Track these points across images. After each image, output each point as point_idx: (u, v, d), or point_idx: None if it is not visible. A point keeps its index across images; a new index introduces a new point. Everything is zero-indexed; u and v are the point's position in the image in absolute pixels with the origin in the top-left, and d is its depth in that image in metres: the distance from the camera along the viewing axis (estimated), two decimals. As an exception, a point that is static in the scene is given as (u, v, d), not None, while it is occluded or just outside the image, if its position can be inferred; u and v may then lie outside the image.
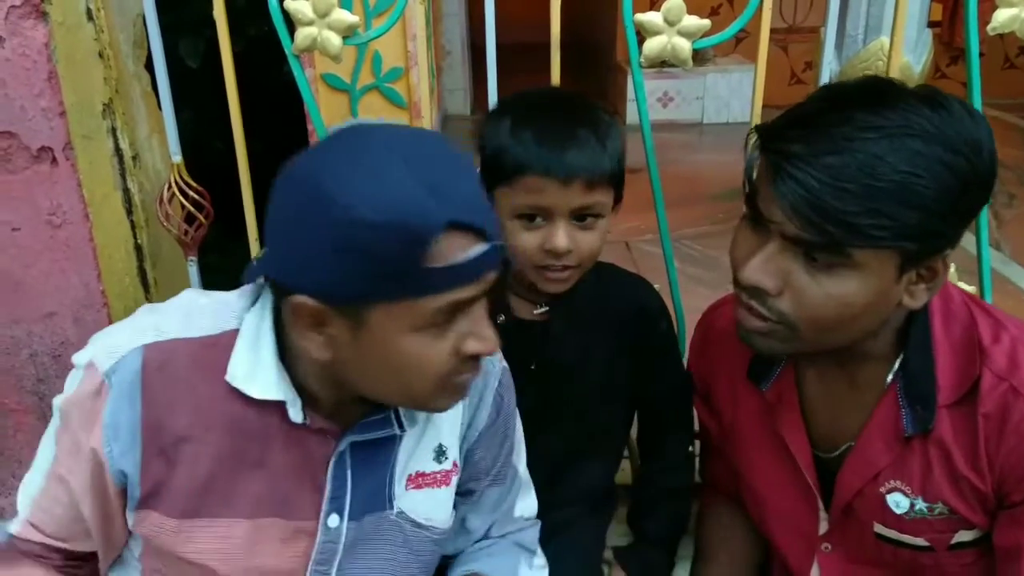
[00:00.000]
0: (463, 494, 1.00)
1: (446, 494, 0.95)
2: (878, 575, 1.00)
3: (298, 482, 0.85)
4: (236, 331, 0.82)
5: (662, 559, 1.22)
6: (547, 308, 1.13)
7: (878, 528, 0.95)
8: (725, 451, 1.13)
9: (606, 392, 1.18)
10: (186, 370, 0.81)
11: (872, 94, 0.81)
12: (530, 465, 1.07)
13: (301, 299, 0.72)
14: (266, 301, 0.82)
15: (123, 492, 0.83)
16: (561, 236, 1.00)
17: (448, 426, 0.94)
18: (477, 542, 1.04)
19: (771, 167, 0.80)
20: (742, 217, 0.89)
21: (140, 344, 0.81)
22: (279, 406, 0.81)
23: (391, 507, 0.90)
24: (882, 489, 0.93)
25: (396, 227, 0.67)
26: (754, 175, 0.83)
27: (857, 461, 0.94)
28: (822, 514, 1.00)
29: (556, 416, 1.15)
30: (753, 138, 0.85)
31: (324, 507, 0.86)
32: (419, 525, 0.93)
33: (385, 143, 0.71)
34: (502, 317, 1.11)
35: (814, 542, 1.02)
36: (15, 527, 0.89)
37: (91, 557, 0.91)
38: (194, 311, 0.85)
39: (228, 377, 0.80)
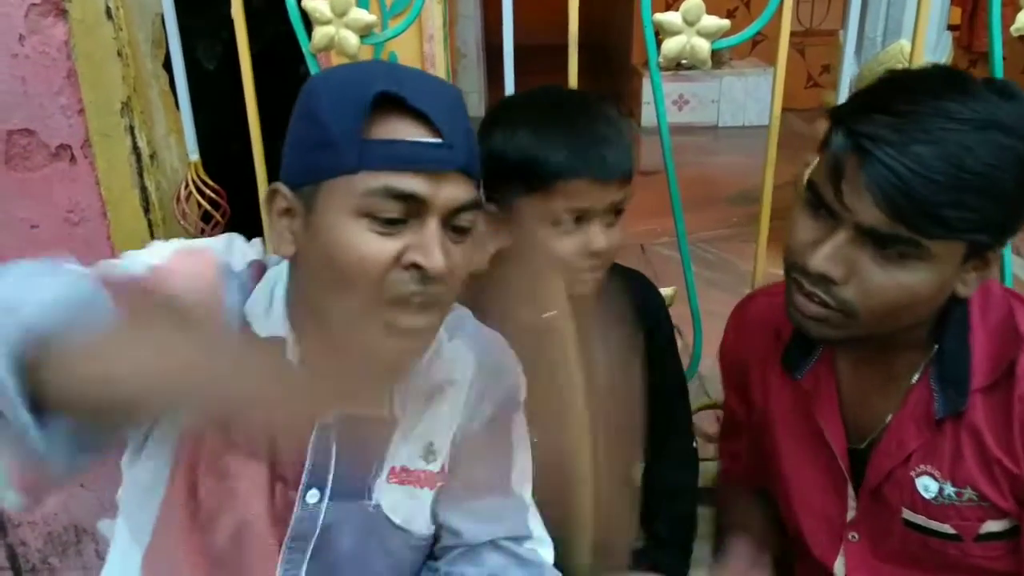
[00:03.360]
0: (446, 496, 0.94)
1: (429, 497, 0.92)
2: (903, 574, 0.99)
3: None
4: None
5: (677, 561, 1.21)
6: (556, 311, 1.12)
7: (907, 514, 0.95)
8: (755, 440, 1.13)
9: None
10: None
11: (954, 84, 0.81)
12: None
13: (277, 184, 0.79)
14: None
15: None
16: (601, 237, 1.00)
17: (444, 424, 0.91)
18: (461, 547, 0.96)
19: (859, 152, 0.80)
20: (803, 202, 0.88)
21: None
22: (282, 351, 0.82)
23: (369, 498, 0.88)
24: (912, 473, 0.93)
25: (342, 92, 0.74)
26: (840, 159, 0.82)
27: (889, 443, 0.95)
28: (851, 502, 1.00)
29: None
30: (836, 122, 0.84)
31: (304, 479, 0.85)
32: (397, 527, 0.90)
33: (385, 62, 0.79)
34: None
35: (841, 530, 1.02)
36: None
37: None
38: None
39: (246, 309, 0.83)
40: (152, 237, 1.46)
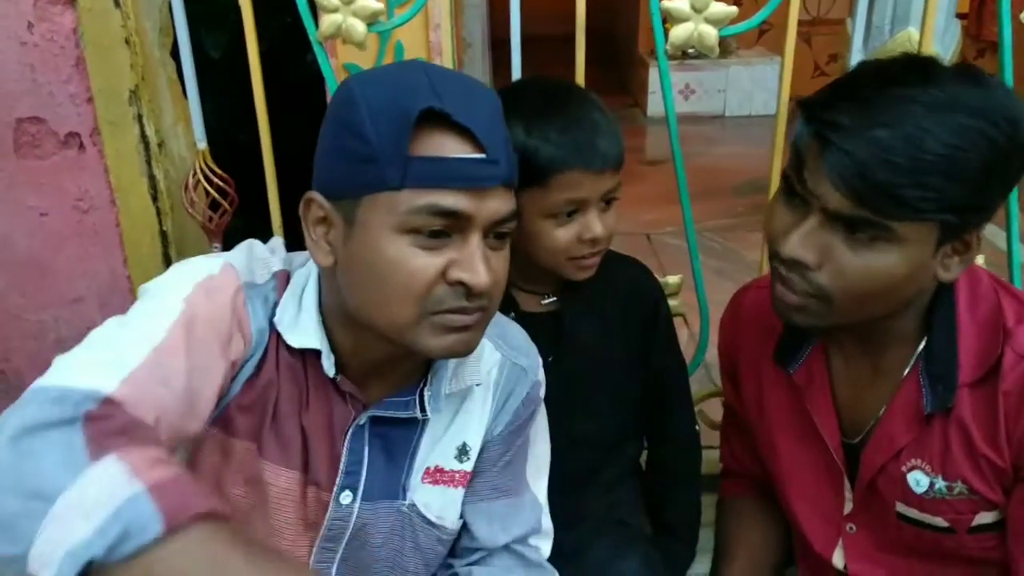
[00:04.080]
0: (469, 494, 0.96)
1: (461, 494, 0.93)
2: (901, 563, 1.00)
3: (319, 446, 0.85)
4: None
5: (683, 548, 1.22)
6: (555, 299, 1.13)
7: (900, 508, 0.95)
8: (750, 430, 1.13)
9: (629, 371, 1.18)
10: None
11: (917, 70, 0.82)
12: (571, 456, 1.06)
13: (312, 193, 0.78)
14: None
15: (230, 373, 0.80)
16: (598, 224, 1.02)
17: (476, 425, 0.92)
18: (479, 551, 0.98)
19: (819, 140, 0.81)
20: (778, 190, 0.90)
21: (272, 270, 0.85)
22: (315, 359, 0.82)
23: (404, 497, 0.90)
24: (904, 468, 0.94)
25: (383, 105, 0.72)
26: (801, 148, 0.84)
27: (880, 438, 0.95)
28: (847, 494, 1.01)
29: (587, 403, 1.15)
30: (801, 111, 0.85)
31: (339, 481, 0.86)
32: (430, 523, 0.91)
33: (421, 62, 0.77)
34: (511, 314, 1.11)
35: (839, 523, 1.02)
36: (109, 388, 0.64)
37: None
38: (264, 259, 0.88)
39: (275, 320, 0.82)
40: (160, 225, 1.46)
